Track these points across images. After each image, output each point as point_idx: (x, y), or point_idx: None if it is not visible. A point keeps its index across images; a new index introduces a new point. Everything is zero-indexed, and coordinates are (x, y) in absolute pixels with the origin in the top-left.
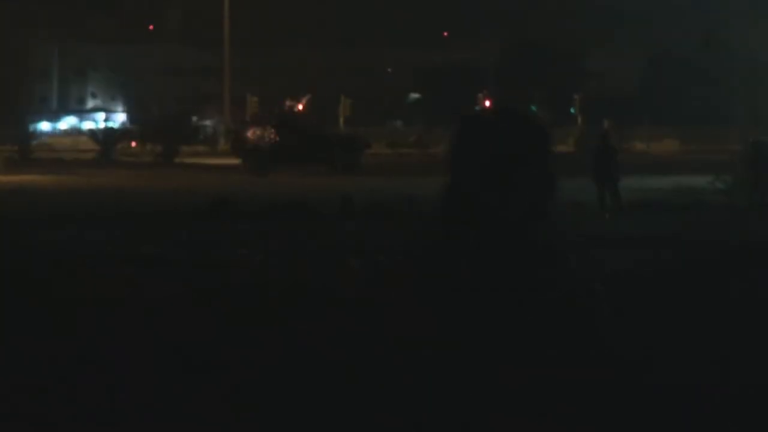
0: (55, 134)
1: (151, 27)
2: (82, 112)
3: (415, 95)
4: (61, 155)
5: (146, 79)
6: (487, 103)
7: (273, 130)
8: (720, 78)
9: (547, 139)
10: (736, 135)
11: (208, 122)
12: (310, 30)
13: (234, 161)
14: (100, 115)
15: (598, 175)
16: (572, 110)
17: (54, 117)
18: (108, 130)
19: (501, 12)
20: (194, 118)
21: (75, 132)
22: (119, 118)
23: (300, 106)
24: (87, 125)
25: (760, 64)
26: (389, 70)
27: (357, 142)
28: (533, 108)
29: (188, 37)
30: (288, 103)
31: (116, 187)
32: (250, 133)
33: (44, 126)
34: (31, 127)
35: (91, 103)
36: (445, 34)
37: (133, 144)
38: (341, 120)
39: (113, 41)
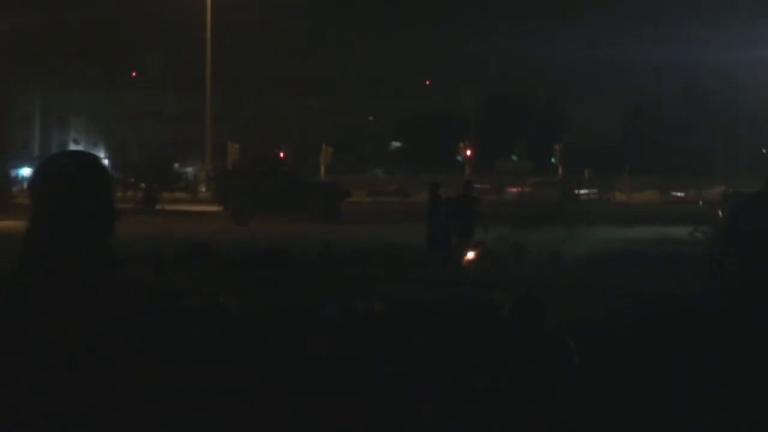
0: None
1: (134, 74)
2: None
3: (396, 144)
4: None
5: (127, 125)
6: (468, 153)
7: (254, 178)
8: (700, 127)
9: None
10: (717, 185)
11: (189, 169)
12: (292, 79)
13: (215, 208)
14: None
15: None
16: (553, 159)
17: (35, 162)
18: None
19: (483, 61)
20: (176, 165)
21: None
22: None
23: (281, 154)
24: None
25: (739, 113)
26: (370, 118)
27: (337, 191)
28: (514, 158)
29: (170, 83)
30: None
31: None
32: (231, 181)
33: (25, 172)
34: (12, 173)
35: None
36: (428, 82)
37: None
38: (322, 168)
39: (96, 87)
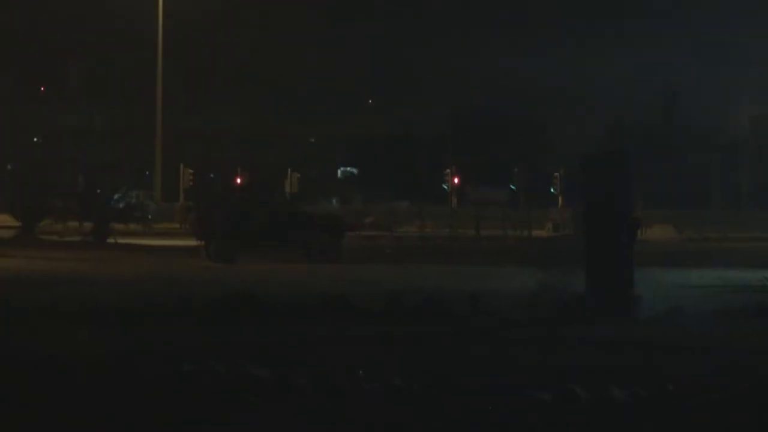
0: None
1: (42, 88)
2: None
3: (348, 170)
4: None
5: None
6: (456, 180)
7: (241, 209)
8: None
9: None
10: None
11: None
12: (232, 96)
13: (176, 242)
14: None
15: None
16: (552, 189)
17: None
18: (29, 205)
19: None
20: (131, 192)
21: None
22: None
23: (238, 179)
24: None
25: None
26: (312, 140)
27: (338, 224)
28: (512, 187)
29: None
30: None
31: (63, 273)
32: (213, 213)
33: None
34: None
35: None
36: (370, 101)
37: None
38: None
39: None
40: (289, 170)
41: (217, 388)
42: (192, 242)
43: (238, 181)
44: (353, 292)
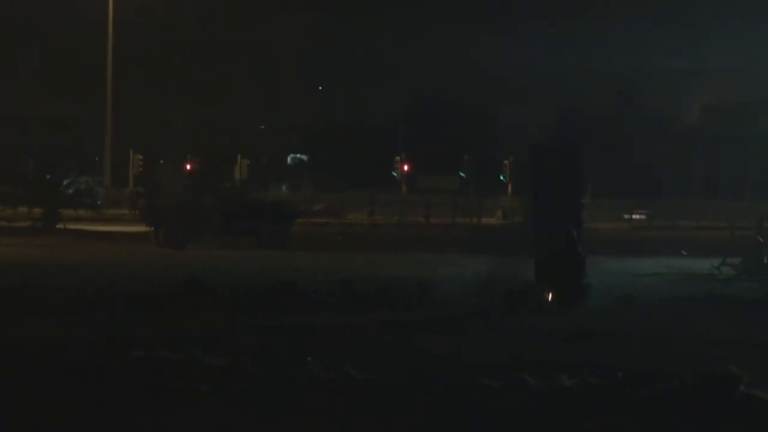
0: None
1: None
2: None
3: (298, 156)
4: None
5: None
6: (406, 168)
7: (192, 195)
8: (638, 142)
9: None
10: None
11: (83, 180)
12: (182, 83)
13: (126, 228)
14: None
15: None
16: (502, 177)
17: None
18: None
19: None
20: (81, 178)
21: None
22: None
23: (187, 165)
24: None
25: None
26: (262, 126)
27: (288, 211)
28: (462, 174)
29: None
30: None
31: (22, 259)
32: (164, 198)
33: None
34: None
35: None
36: (320, 88)
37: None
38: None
39: None
40: (239, 157)
41: (168, 375)
42: (141, 228)
43: (188, 167)
44: (302, 279)
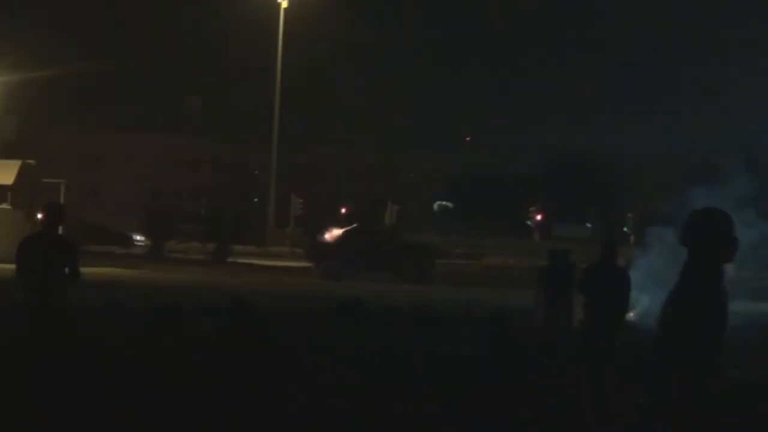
0: None
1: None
2: None
3: (444, 203)
4: (110, 248)
5: (161, 171)
6: (539, 217)
7: (349, 235)
8: None
9: None
10: None
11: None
12: (337, 132)
13: (290, 263)
14: None
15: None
16: (625, 228)
17: None
18: (159, 227)
19: (530, 120)
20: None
21: None
22: None
23: (343, 210)
24: None
25: None
26: (411, 175)
27: (431, 251)
28: (588, 225)
29: (207, 128)
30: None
31: (199, 284)
32: (326, 237)
33: None
34: None
35: None
36: (468, 138)
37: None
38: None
39: (129, 131)
40: (389, 202)
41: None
42: (300, 263)
43: (343, 210)
44: (437, 303)
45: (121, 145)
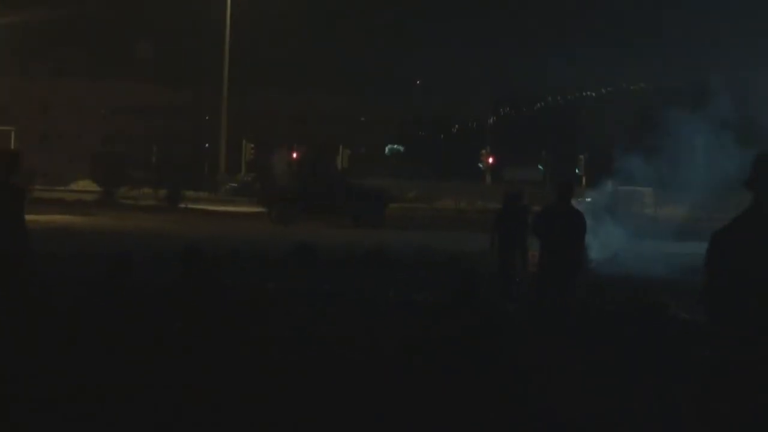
0: None
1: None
2: None
3: (395, 147)
4: (59, 195)
5: (113, 117)
6: (490, 161)
7: (300, 180)
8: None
9: None
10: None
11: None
12: (284, 75)
13: (240, 209)
14: None
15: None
16: (577, 170)
17: None
18: (110, 173)
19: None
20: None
21: None
22: None
23: (294, 154)
24: None
25: None
26: (362, 119)
27: (382, 196)
28: (540, 167)
29: (158, 74)
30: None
31: (152, 230)
32: (275, 182)
33: None
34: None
35: None
36: (418, 82)
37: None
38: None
39: (80, 76)
40: (340, 147)
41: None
42: (252, 209)
43: (295, 155)
44: (390, 249)
45: (70, 92)
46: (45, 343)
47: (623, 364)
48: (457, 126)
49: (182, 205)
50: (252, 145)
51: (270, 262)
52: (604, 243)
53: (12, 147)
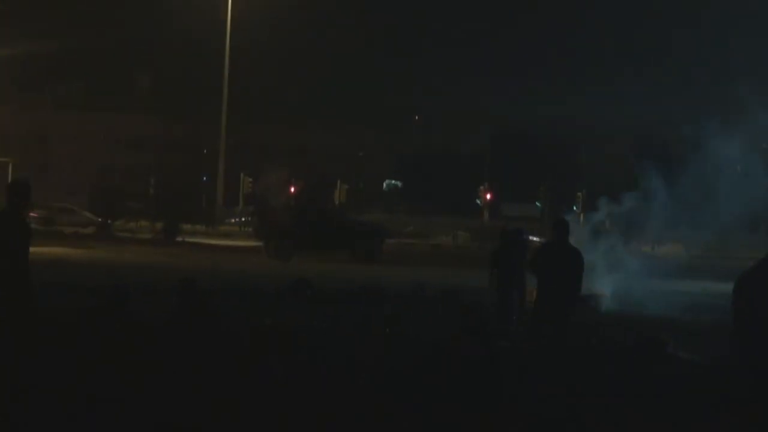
0: None
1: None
2: None
3: (393, 182)
4: (58, 228)
5: (108, 151)
6: (488, 196)
7: (297, 215)
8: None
9: None
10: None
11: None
12: (283, 109)
13: (237, 242)
14: None
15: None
16: (575, 207)
17: None
18: (110, 206)
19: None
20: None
21: None
22: None
23: (292, 189)
24: None
25: None
26: (360, 154)
27: (378, 231)
28: (538, 204)
29: (157, 108)
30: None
31: (146, 264)
32: (273, 217)
33: None
34: None
35: None
36: (417, 118)
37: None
38: (336, 205)
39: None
40: (338, 181)
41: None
42: (250, 243)
43: (292, 190)
44: (387, 283)
45: (68, 125)
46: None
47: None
48: (454, 162)
49: (179, 239)
50: (250, 179)
51: (267, 296)
52: (605, 281)
53: (9, 179)
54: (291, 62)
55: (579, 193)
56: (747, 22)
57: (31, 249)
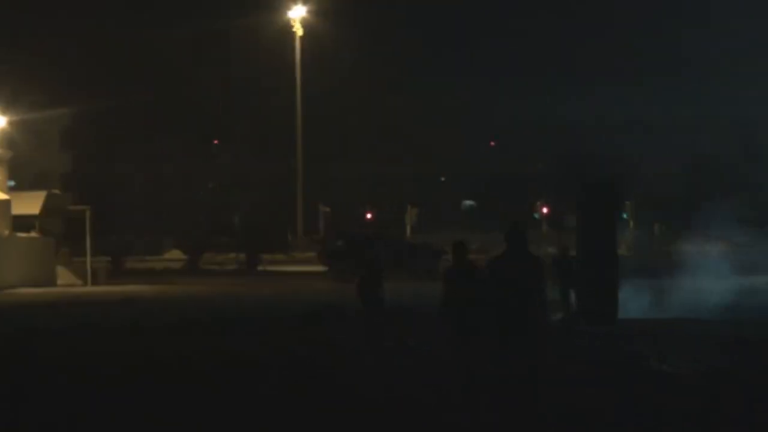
0: None
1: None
2: None
3: (469, 202)
4: (151, 265)
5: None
6: (545, 210)
7: (358, 241)
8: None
9: None
10: None
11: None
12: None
13: (312, 268)
14: None
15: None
16: (624, 215)
17: None
18: (195, 241)
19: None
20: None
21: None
22: None
23: (368, 215)
24: None
25: None
26: (442, 178)
27: (434, 251)
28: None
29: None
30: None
31: (225, 294)
32: (336, 244)
33: None
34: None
35: None
36: (492, 143)
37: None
38: (408, 228)
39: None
40: (409, 206)
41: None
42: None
43: (368, 216)
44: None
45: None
46: None
47: None
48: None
49: (260, 268)
50: (327, 209)
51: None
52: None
53: (86, 226)
54: (364, 92)
55: (627, 202)
56: None
57: (111, 288)
